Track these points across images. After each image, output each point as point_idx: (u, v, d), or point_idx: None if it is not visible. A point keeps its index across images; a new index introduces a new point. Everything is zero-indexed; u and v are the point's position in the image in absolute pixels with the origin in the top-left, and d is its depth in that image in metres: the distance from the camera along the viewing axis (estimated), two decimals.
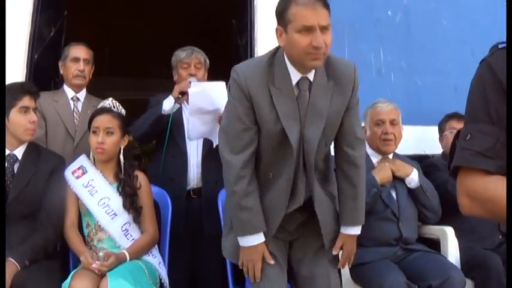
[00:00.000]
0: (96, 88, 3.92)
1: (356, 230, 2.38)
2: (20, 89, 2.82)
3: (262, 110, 2.23)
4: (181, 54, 3.54)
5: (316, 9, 2.09)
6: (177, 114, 3.34)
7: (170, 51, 3.65)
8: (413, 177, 3.17)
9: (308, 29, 2.08)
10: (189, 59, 3.50)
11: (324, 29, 2.09)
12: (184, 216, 3.24)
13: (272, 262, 2.26)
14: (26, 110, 2.76)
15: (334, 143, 2.38)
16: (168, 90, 3.38)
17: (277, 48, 2.29)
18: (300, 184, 2.27)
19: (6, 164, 2.75)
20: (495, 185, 1.31)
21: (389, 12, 4.28)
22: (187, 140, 3.37)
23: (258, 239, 2.25)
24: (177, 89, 3.29)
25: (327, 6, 2.13)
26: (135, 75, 8.12)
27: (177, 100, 3.27)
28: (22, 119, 2.75)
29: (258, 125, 2.25)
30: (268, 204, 2.28)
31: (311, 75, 2.25)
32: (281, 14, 2.17)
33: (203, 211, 3.25)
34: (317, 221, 2.30)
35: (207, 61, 3.58)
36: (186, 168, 3.37)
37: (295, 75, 2.24)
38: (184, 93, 3.25)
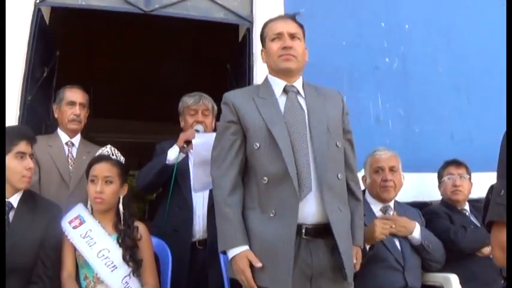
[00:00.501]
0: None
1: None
2: (16, 134, 2.73)
3: (249, 117, 2.42)
4: (188, 100, 3.53)
5: (285, 20, 2.57)
6: (183, 164, 3.29)
7: (162, 94, 3.65)
8: (415, 235, 3.17)
9: (278, 36, 2.50)
10: (197, 105, 3.49)
11: (292, 36, 2.49)
12: (188, 267, 3.18)
13: (259, 265, 2.24)
14: (22, 155, 2.67)
15: None
16: (156, 133, 3.36)
17: None
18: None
19: None
20: None
21: (387, 60, 4.37)
22: (193, 191, 3.30)
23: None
24: (182, 138, 3.24)
25: (297, 22, 2.58)
26: (119, 117, 8.12)
27: (182, 150, 3.22)
28: (18, 165, 2.65)
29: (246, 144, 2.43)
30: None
31: (298, 84, 2.53)
32: (261, 36, 2.63)
33: (207, 262, 3.18)
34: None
35: (215, 107, 3.55)
36: (191, 220, 3.30)
37: (279, 84, 2.51)
38: (189, 142, 3.20)
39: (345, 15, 4.38)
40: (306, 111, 2.45)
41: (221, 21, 4.19)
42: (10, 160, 2.63)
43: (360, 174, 3.27)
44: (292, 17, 2.61)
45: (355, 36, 4.38)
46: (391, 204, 3.35)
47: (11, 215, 2.67)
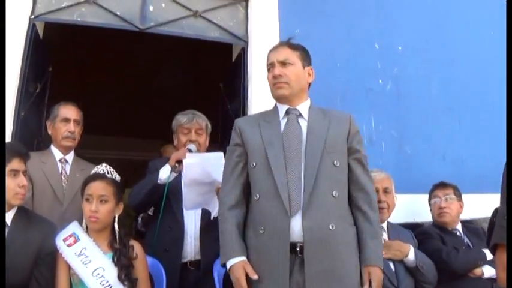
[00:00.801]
0: None
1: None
2: (9, 151, 2.73)
3: (251, 139, 2.61)
4: (182, 118, 3.52)
5: (278, 49, 2.71)
6: (175, 183, 3.25)
7: (154, 111, 3.68)
8: (410, 258, 3.20)
9: (271, 66, 2.67)
10: (190, 124, 3.48)
11: (282, 63, 2.63)
12: None
13: (255, 276, 2.32)
14: (15, 173, 2.68)
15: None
16: (148, 150, 3.37)
17: None
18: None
19: None
20: None
21: (380, 81, 4.44)
22: (184, 210, 3.29)
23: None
24: (174, 157, 3.23)
25: (291, 46, 2.71)
26: (110, 134, 8.13)
27: (173, 169, 3.20)
28: (11, 182, 2.66)
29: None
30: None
31: (302, 108, 2.67)
32: (266, 64, 2.75)
33: (201, 283, 3.14)
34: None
35: (209, 126, 3.58)
36: (182, 239, 3.27)
37: (282, 108, 2.68)
38: (181, 162, 3.18)
39: (339, 37, 4.48)
40: (305, 131, 2.55)
41: (216, 41, 4.25)
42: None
43: None
44: (287, 43, 2.76)
45: (349, 58, 4.45)
46: (384, 225, 3.38)
47: (6, 232, 2.65)
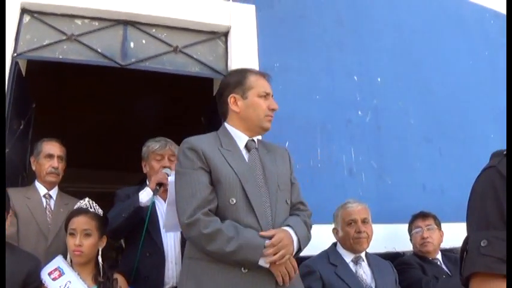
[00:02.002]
0: None
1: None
2: None
3: (221, 169, 2.52)
4: (154, 145, 3.63)
5: (268, 80, 2.81)
6: (152, 209, 3.33)
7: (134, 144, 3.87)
8: None
9: (267, 95, 2.71)
10: (163, 150, 3.60)
11: (272, 96, 2.74)
12: None
13: None
14: None
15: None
16: (126, 183, 3.53)
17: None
18: None
19: None
20: None
21: (359, 113, 4.60)
22: (163, 235, 3.36)
23: None
24: (154, 180, 3.34)
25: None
26: (90, 167, 8.28)
27: (155, 192, 3.32)
28: None
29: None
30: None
31: (256, 140, 2.77)
32: (239, 83, 2.72)
33: None
34: None
35: None
36: (163, 265, 3.33)
37: (242, 139, 2.69)
38: (161, 185, 3.31)
39: (318, 70, 4.66)
40: (261, 171, 2.62)
41: (196, 76, 4.43)
42: None
43: (331, 226, 3.57)
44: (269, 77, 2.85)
45: (328, 90, 4.61)
46: (363, 254, 3.52)
47: None
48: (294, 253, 2.50)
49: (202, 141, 2.62)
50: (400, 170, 4.57)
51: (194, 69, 4.46)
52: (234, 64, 4.39)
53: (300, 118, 4.39)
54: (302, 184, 3.85)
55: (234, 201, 2.49)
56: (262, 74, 2.85)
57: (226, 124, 2.75)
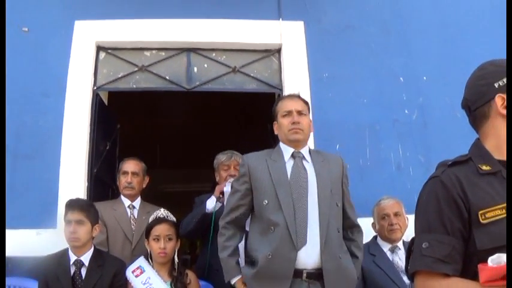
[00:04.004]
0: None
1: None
2: (67, 204, 3.66)
3: (260, 177, 3.16)
4: (222, 157, 4.19)
5: (293, 99, 3.35)
6: (220, 212, 3.61)
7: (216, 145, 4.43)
8: None
9: (289, 113, 3.24)
10: (229, 161, 4.13)
11: (299, 113, 3.23)
12: None
13: None
14: (68, 222, 3.55)
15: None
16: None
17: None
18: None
19: (74, 268, 3.52)
20: (454, 286, 1.61)
21: (406, 111, 4.88)
22: None
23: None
24: (217, 189, 3.90)
25: (303, 100, 3.36)
26: (185, 167, 9.00)
27: (218, 199, 3.86)
28: (66, 229, 3.56)
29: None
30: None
31: (304, 151, 3.25)
32: (274, 111, 3.38)
33: None
34: None
35: None
36: None
37: (288, 151, 3.24)
38: (223, 193, 3.82)
39: (365, 75, 5.00)
40: (312, 174, 3.14)
41: (254, 92, 4.93)
42: (64, 227, 3.59)
43: (370, 221, 3.94)
44: (299, 96, 3.40)
45: (375, 93, 4.94)
46: (400, 244, 3.88)
47: (83, 270, 3.52)
48: None
49: (252, 157, 3.31)
50: None
51: (252, 86, 4.95)
52: (287, 78, 4.86)
53: (349, 122, 4.75)
54: (353, 182, 4.19)
55: (267, 202, 3.10)
56: (288, 96, 3.47)
57: (280, 142, 3.34)
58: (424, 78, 5.03)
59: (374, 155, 4.73)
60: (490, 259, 1.48)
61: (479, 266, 1.51)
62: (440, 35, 5.24)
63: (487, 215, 1.61)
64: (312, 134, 4.51)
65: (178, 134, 8.21)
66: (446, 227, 1.66)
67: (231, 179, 3.89)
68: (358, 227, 3.29)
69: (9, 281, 3.97)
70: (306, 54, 4.95)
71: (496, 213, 1.60)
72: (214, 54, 5.01)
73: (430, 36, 5.22)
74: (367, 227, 3.83)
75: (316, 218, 3.03)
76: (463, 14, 5.34)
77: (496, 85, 1.80)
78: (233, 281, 3.09)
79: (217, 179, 4.24)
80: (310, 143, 4.43)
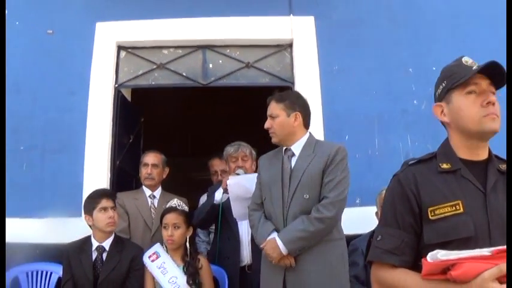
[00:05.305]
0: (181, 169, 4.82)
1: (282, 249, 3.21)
2: (98, 194, 3.95)
3: (263, 173, 3.53)
4: (230, 149, 4.31)
5: (269, 104, 3.55)
6: (227, 203, 3.99)
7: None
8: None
9: (268, 117, 3.50)
10: (236, 153, 4.25)
11: (270, 116, 3.48)
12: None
13: None
14: (105, 209, 3.84)
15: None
16: None
17: None
18: None
19: (96, 254, 3.82)
20: (398, 276, 1.74)
21: (415, 102, 4.99)
22: (239, 223, 4.09)
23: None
24: (224, 181, 4.03)
25: (277, 99, 3.52)
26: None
27: (225, 191, 4.00)
28: (102, 216, 3.83)
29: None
30: None
31: (295, 147, 3.46)
32: None
33: (255, 284, 3.68)
34: None
35: (253, 152, 4.32)
36: (238, 247, 4.09)
37: (282, 148, 3.51)
38: None
39: (374, 67, 5.10)
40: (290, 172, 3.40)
41: (267, 85, 5.07)
42: (96, 214, 3.85)
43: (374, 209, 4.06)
44: (276, 97, 3.56)
45: (385, 84, 5.02)
46: None
47: (104, 255, 3.82)
48: (285, 254, 3.22)
49: (265, 156, 3.66)
50: None
51: (264, 80, 5.15)
52: (298, 71, 5.05)
53: (358, 113, 4.89)
54: (361, 172, 4.44)
55: (264, 198, 3.46)
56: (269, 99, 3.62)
57: None
58: (434, 68, 5.03)
59: (383, 145, 4.85)
60: (429, 254, 1.59)
61: (423, 259, 1.63)
62: (449, 26, 5.28)
63: (436, 212, 1.74)
64: (321, 125, 4.74)
65: (207, 124, 8.48)
66: (398, 222, 1.82)
67: (239, 170, 4.15)
68: (326, 198, 3.30)
69: (37, 265, 4.32)
70: (317, 48, 5.09)
71: (445, 210, 1.73)
72: (228, 51, 5.22)
73: (439, 27, 5.27)
74: (373, 216, 3.99)
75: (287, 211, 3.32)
76: (472, 4, 5.36)
77: (436, 94, 2.02)
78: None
79: (227, 170, 4.42)
80: (320, 134, 4.67)
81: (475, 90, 1.85)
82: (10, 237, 4.45)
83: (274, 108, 3.49)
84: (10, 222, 4.50)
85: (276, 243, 3.20)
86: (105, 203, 3.87)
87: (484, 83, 1.85)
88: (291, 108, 3.48)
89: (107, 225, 3.84)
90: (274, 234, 3.26)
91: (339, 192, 3.28)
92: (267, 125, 3.48)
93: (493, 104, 1.81)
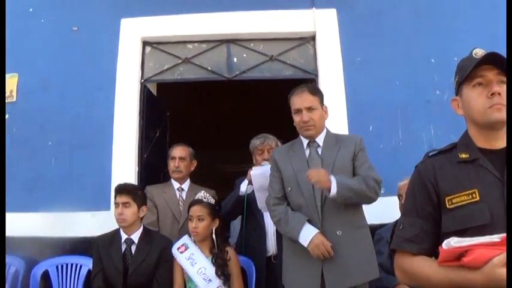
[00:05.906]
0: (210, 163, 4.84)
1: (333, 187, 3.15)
2: (115, 190, 4.02)
3: (284, 168, 3.47)
4: (256, 142, 4.35)
5: (301, 96, 3.45)
6: (252, 195, 4.03)
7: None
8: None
9: (298, 111, 3.43)
10: (262, 146, 4.29)
11: (308, 109, 3.40)
12: (265, 277, 4.03)
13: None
14: (116, 205, 3.92)
15: None
16: None
17: None
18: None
19: (125, 246, 3.88)
20: (417, 263, 1.81)
21: (438, 92, 5.01)
22: (264, 214, 4.07)
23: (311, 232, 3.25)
24: (249, 173, 4.06)
25: (312, 92, 3.47)
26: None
27: (250, 182, 4.05)
28: (115, 212, 3.92)
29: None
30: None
31: (319, 139, 3.48)
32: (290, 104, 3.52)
33: (280, 274, 3.64)
34: None
35: (279, 144, 4.28)
36: (264, 238, 4.14)
37: (305, 141, 3.50)
38: None
39: (397, 58, 5.14)
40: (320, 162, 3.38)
41: (290, 78, 5.12)
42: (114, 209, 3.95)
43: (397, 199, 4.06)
44: (308, 89, 3.51)
45: (407, 75, 5.06)
46: None
47: (133, 248, 3.89)
48: (329, 189, 3.15)
49: (278, 151, 3.67)
50: None
51: (288, 73, 5.21)
52: (321, 63, 5.09)
53: (381, 104, 4.92)
54: (385, 162, 4.43)
55: (290, 189, 3.44)
56: (296, 92, 3.52)
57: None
58: (455, 59, 5.03)
59: (406, 135, 4.88)
60: (444, 242, 1.66)
61: (439, 247, 1.69)
62: (471, 15, 5.29)
63: (453, 201, 1.79)
64: (345, 116, 4.77)
65: (235, 118, 8.55)
66: (418, 211, 1.89)
67: (265, 162, 4.14)
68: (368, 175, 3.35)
69: (66, 258, 4.42)
70: (339, 40, 5.13)
71: (462, 198, 1.77)
72: (252, 44, 5.28)
73: (460, 16, 5.28)
74: (397, 205, 4.02)
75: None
76: None
77: (454, 88, 2.12)
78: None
79: (254, 161, 4.42)
80: (344, 125, 4.73)
81: (481, 82, 1.90)
82: (40, 231, 4.61)
83: (313, 100, 3.46)
84: (39, 217, 4.67)
85: (330, 178, 3.18)
86: (117, 198, 3.94)
87: (490, 74, 1.88)
88: (322, 101, 3.54)
89: (117, 221, 3.92)
90: (311, 228, 3.27)
91: (377, 173, 3.37)
92: (305, 117, 3.41)
93: (499, 94, 1.83)
